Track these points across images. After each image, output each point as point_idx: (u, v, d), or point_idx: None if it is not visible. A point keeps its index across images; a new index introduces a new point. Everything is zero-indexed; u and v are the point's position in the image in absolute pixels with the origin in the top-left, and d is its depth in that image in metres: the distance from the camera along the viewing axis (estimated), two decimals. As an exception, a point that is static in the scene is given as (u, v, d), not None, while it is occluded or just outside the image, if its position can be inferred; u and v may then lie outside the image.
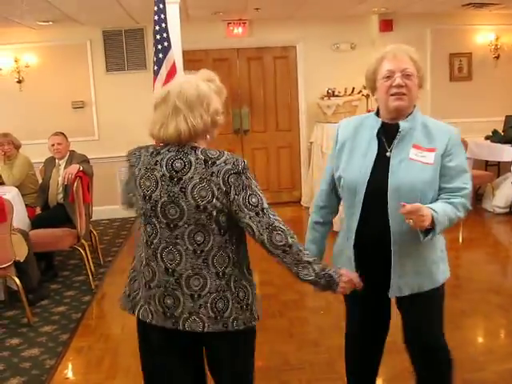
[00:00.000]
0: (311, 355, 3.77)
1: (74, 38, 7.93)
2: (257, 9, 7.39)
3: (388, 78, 2.28)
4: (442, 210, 2.21)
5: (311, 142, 8.36)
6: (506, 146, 7.38)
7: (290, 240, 2.06)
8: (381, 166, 2.31)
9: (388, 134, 2.35)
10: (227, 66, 8.51)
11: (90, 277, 5.29)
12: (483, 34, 8.74)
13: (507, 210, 7.37)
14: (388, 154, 2.32)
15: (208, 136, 2.13)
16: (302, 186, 8.80)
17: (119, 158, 7.97)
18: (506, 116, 7.79)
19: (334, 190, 2.53)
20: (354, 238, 2.40)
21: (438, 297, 2.48)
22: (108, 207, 8.00)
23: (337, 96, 7.98)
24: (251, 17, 8.04)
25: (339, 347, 3.82)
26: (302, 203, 8.60)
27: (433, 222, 2.15)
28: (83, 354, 3.96)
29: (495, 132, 7.85)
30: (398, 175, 2.27)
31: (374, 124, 2.39)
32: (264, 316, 4.54)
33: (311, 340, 4.01)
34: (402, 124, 2.31)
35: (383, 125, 2.36)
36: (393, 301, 2.55)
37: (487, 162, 8.13)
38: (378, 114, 2.42)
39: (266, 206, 2.05)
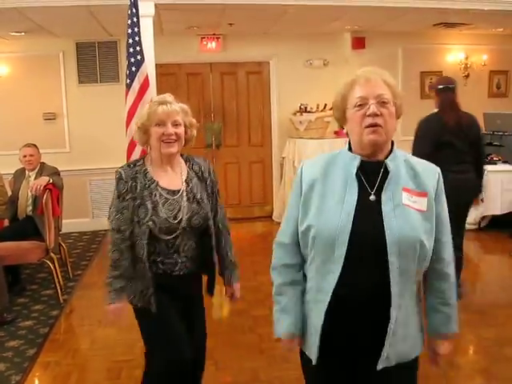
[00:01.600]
0: (281, 371, 3.75)
1: (47, 49, 7.87)
2: (231, 24, 7.43)
3: (360, 106, 1.89)
4: (446, 318, 2.02)
5: (283, 157, 8.41)
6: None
7: (110, 254, 2.55)
8: (365, 212, 1.89)
9: (368, 173, 1.94)
10: (200, 80, 8.52)
11: (59, 291, 5.21)
12: (453, 54, 8.94)
13: (476, 226, 7.47)
14: (372, 197, 1.91)
15: (147, 147, 2.63)
16: (273, 201, 8.81)
17: (90, 171, 8.06)
18: (475, 134, 7.91)
19: (299, 244, 2.04)
20: (328, 301, 1.90)
21: (416, 368, 2.05)
22: (78, 220, 7.93)
23: (309, 112, 8.04)
24: (225, 32, 8.08)
25: (309, 363, 3.84)
26: (273, 218, 8.58)
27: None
28: (50, 369, 3.89)
29: (464, 150, 7.99)
30: (396, 225, 1.85)
31: (350, 161, 1.96)
32: (234, 332, 4.58)
33: (281, 356, 3.98)
34: (390, 163, 1.93)
35: (361, 162, 1.94)
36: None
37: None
38: (350, 149, 2.00)
39: (110, 217, 2.52)
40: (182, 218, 2.49)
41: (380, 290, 1.86)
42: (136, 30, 5.31)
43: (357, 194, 1.91)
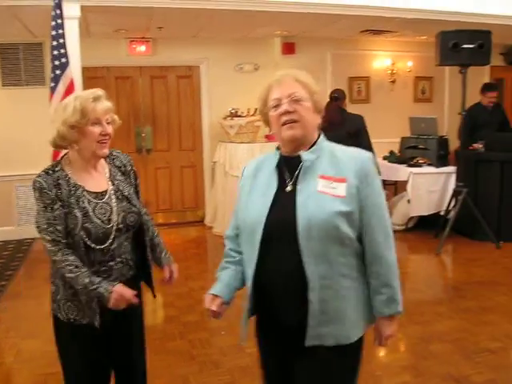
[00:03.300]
0: (212, 377, 3.73)
1: (-32, 50, 7.58)
2: (160, 28, 7.37)
3: (276, 106, 2.03)
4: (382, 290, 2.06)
5: (214, 162, 8.37)
6: (402, 166, 7.70)
7: (67, 274, 2.24)
8: (283, 202, 2.01)
9: (290, 167, 2.07)
10: (130, 84, 8.40)
11: (-19, 302, 5.02)
12: (380, 60, 9.18)
13: (403, 227, 7.67)
14: (288, 188, 2.04)
15: (75, 145, 2.30)
16: (205, 206, 8.78)
17: (15, 177, 7.78)
18: (402, 137, 8.14)
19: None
20: (251, 287, 2.07)
21: (355, 355, 2.17)
22: (3, 228, 7.66)
23: (240, 116, 8.05)
24: (154, 35, 8.00)
25: (240, 368, 3.84)
26: (205, 223, 8.56)
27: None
28: (-29, 384, 3.74)
29: (392, 153, 8.22)
30: (307, 211, 1.94)
31: (273, 159, 2.13)
32: (164, 338, 4.53)
33: (212, 361, 3.98)
34: (305, 155, 2.03)
35: (284, 158, 2.09)
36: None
37: (385, 181, 8.42)
38: (278, 149, 2.15)
39: (42, 232, 2.30)
40: (116, 220, 2.32)
41: (300, 273, 1.95)
42: (60, 31, 5.19)
43: (276, 187, 2.06)
